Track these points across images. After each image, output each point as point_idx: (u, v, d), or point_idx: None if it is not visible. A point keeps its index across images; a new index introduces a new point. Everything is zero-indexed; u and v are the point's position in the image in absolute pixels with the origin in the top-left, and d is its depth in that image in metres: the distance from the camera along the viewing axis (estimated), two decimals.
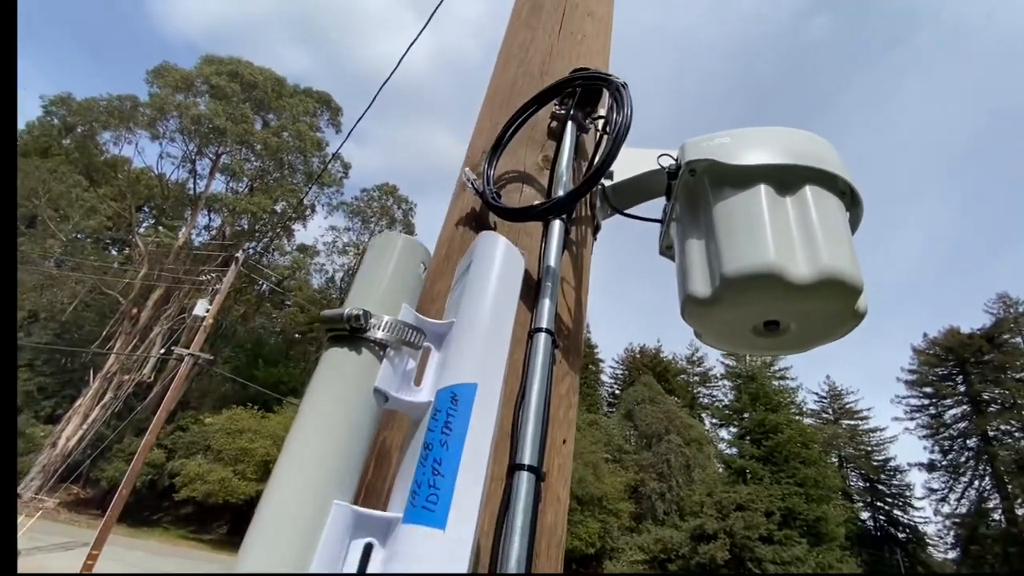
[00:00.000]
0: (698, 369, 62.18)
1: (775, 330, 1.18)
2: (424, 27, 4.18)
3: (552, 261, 1.01)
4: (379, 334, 0.61)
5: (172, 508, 28.25)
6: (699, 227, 1.21)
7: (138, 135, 33.25)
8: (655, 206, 1.47)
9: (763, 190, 1.12)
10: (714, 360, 63.86)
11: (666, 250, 1.47)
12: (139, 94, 32.69)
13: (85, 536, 18.59)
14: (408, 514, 0.54)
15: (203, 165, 34.67)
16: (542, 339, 0.88)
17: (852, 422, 57.73)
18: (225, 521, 28.95)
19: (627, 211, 1.45)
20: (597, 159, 1.18)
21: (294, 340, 40.67)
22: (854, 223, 1.22)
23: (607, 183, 1.34)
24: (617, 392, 55.53)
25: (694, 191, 1.24)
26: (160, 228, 34.68)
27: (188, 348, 18.20)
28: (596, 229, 1.41)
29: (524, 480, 0.65)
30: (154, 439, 16.24)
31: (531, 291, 1.01)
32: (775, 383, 44.76)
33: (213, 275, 23.21)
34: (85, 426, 27.31)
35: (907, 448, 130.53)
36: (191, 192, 35.31)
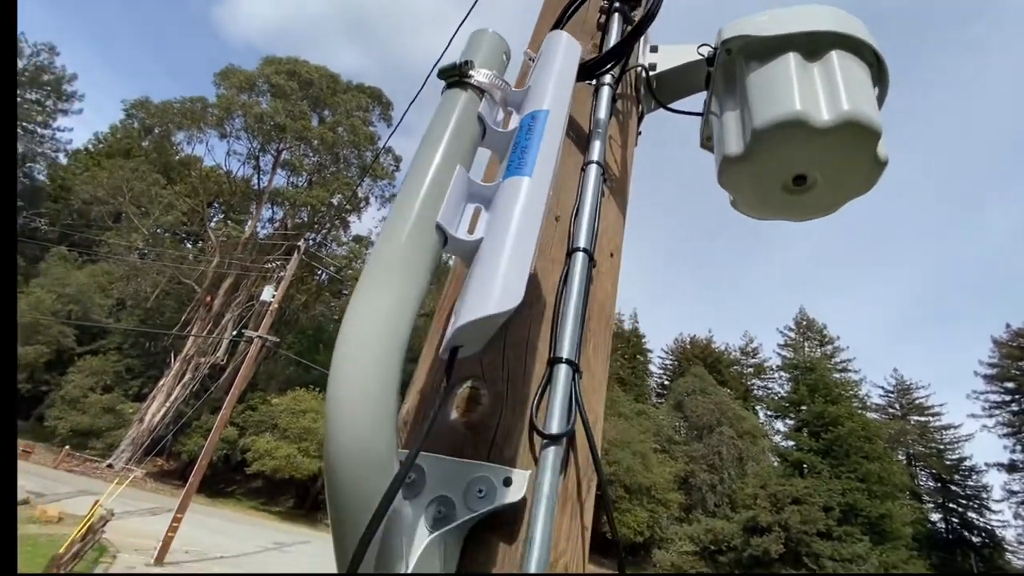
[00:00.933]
0: (752, 360, 59.95)
1: (803, 185, 1.34)
2: (466, 17, 4.42)
3: (602, 114, 1.23)
4: (481, 79, 0.85)
5: (244, 481, 30.42)
6: (735, 99, 1.37)
7: (208, 134, 35.64)
8: (693, 106, 1.64)
9: (791, 57, 1.28)
10: (770, 351, 61.27)
11: (706, 141, 1.64)
12: (208, 95, 35.00)
13: (169, 503, 20.41)
14: (505, 175, 0.78)
15: (266, 161, 36.74)
16: (593, 171, 1.11)
17: (922, 418, 54.00)
18: (292, 495, 30.93)
19: (670, 105, 1.63)
20: (640, 14, 1.37)
21: None
22: (880, 97, 1.36)
23: (651, 72, 1.53)
24: (666, 383, 54.49)
25: (730, 70, 1.41)
26: (229, 222, 37.06)
27: (257, 331, 19.48)
28: (640, 117, 1.60)
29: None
30: (228, 416, 17.57)
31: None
32: (836, 375, 42.59)
33: (277, 264, 24.64)
34: (168, 404, 29.77)
35: (985, 447, 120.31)
36: (255, 187, 37.49)
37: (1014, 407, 49.80)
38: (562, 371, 0.79)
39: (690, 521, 28.23)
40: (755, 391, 55.77)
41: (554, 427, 0.72)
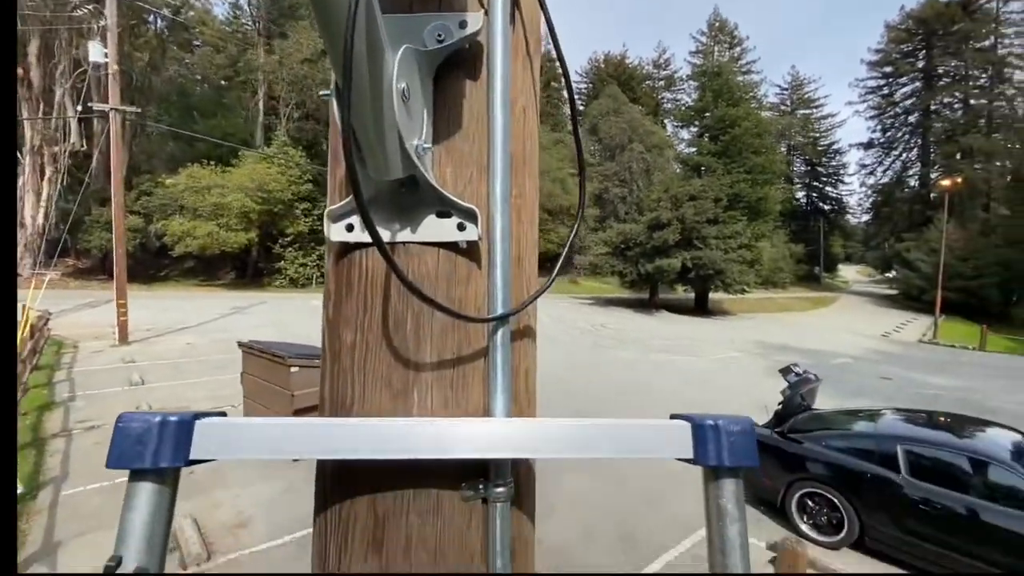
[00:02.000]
0: (664, 73, 59.52)
1: None
2: None
3: None
4: None
5: (174, 264, 30.19)
6: None
7: None
8: None
9: None
10: (681, 61, 60.19)
11: None
12: None
13: (104, 296, 20.23)
14: None
15: None
16: None
17: (807, 111, 59.01)
18: (229, 268, 31.55)
19: None
20: None
21: (221, 87, 36.62)
22: None
23: None
24: (581, 108, 54.15)
25: None
26: None
27: (107, 104, 16.32)
28: None
29: None
30: (123, 202, 16.11)
31: None
32: (740, 78, 43.72)
33: (88, 10, 19.11)
34: (43, 203, 26.62)
35: (852, 131, 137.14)
36: None
37: (885, 91, 54.78)
38: None
39: (604, 229, 32.23)
40: (665, 104, 57.06)
41: None
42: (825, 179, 59.94)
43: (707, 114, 33.43)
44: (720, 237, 27.44)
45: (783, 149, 51.97)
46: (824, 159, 59.06)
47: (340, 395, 0.71)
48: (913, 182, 53.17)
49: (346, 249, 0.73)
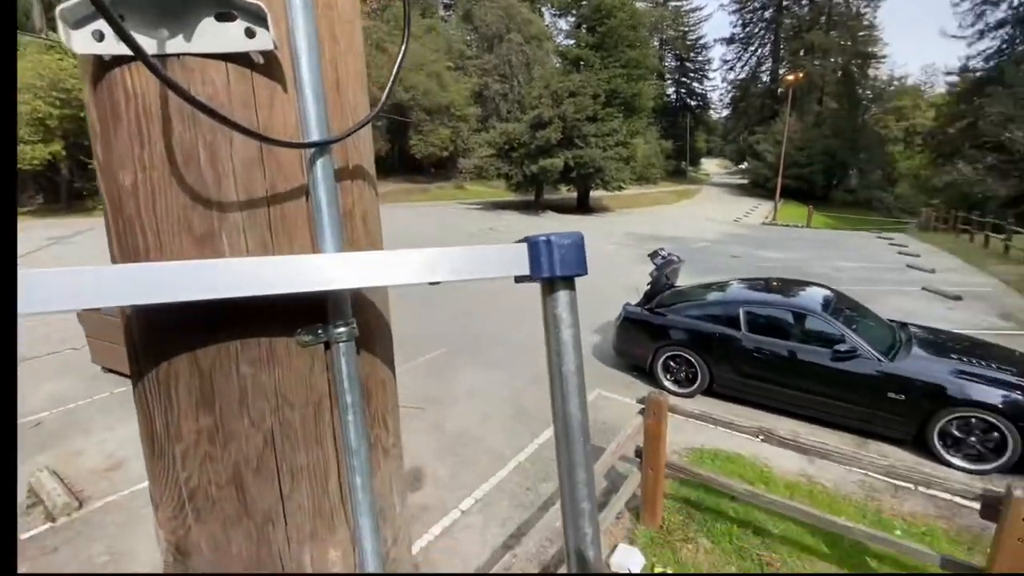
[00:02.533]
0: None
1: None
2: None
3: None
4: None
5: None
6: None
7: None
8: None
9: None
10: None
11: None
12: None
13: None
14: None
15: None
16: None
17: (678, 3, 59.80)
18: (35, 191, 26.08)
19: None
20: None
21: None
22: None
23: None
24: None
25: None
26: None
27: None
28: None
29: None
30: None
31: None
32: None
33: None
34: None
35: (717, 26, 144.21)
36: None
37: None
38: None
39: (487, 129, 31.29)
40: None
41: None
42: (692, 75, 62.96)
43: (584, 2, 32.43)
44: (599, 135, 28.10)
45: (656, 44, 52.92)
46: (692, 54, 61.54)
47: (130, 248, 0.60)
48: (765, 77, 57.83)
49: (103, 67, 0.57)
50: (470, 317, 9.40)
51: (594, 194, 34.94)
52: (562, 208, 32.82)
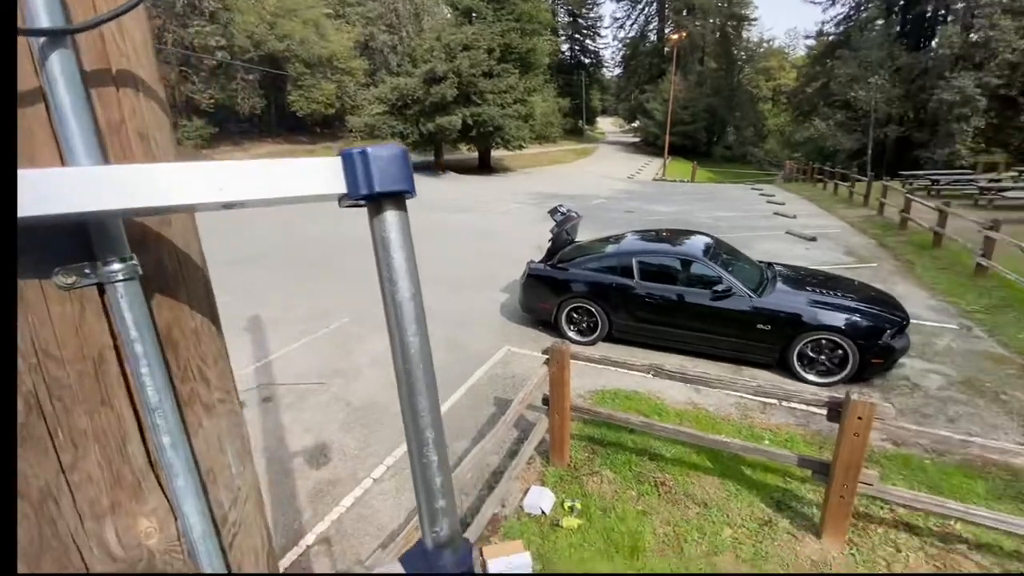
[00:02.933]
0: None
1: None
2: None
3: None
4: None
5: None
6: None
7: None
8: None
9: None
10: None
11: None
12: None
13: None
14: None
15: None
16: None
17: None
18: None
19: None
20: None
21: None
22: None
23: None
24: None
25: None
26: None
27: None
28: None
29: None
30: None
31: None
32: None
33: None
34: None
35: None
36: None
37: None
38: None
39: (376, 84, 29.38)
40: None
41: None
42: (585, 31, 63.65)
43: None
44: (496, 92, 27.65)
45: None
46: (584, 10, 61.98)
47: None
48: (653, 36, 60.03)
49: None
50: (372, 286, 9.03)
51: (495, 154, 34.67)
52: (463, 168, 32.28)
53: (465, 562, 0.58)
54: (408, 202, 0.56)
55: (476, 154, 33.32)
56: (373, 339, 6.64)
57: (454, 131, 27.29)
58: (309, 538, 3.55)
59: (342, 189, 0.53)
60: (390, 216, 0.54)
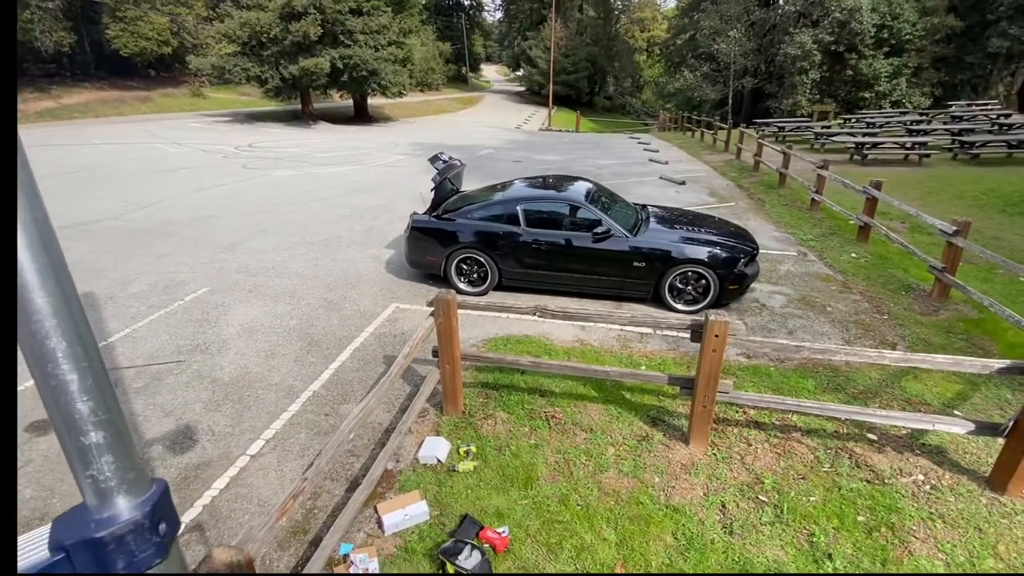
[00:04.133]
0: None
1: None
2: None
3: None
4: None
5: None
6: None
7: None
8: None
9: None
10: None
11: None
12: None
13: None
14: None
15: None
16: None
17: None
18: None
19: None
20: None
21: None
22: None
23: None
24: None
25: None
26: None
27: None
28: None
29: None
30: None
31: None
32: None
33: None
34: None
35: None
36: None
37: None
38: None
39: (221, 19, 25.45)
40: None
41: None
42: None
43: None
44: (367, 32, 25.49)
45: None
46: None
47: None
48: None
49: None
50: (233, 251, 8.13)
51: (373, 102, 32.47)
52: (337, 118, 29.85)
53: (151, 506, 0.46)
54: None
55: (351, 102, 30.91)
56: (241, 308, 6.02)
57: (322, 75, 24.82)
58: None
59: None
60: None
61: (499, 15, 66.88)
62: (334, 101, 33.84)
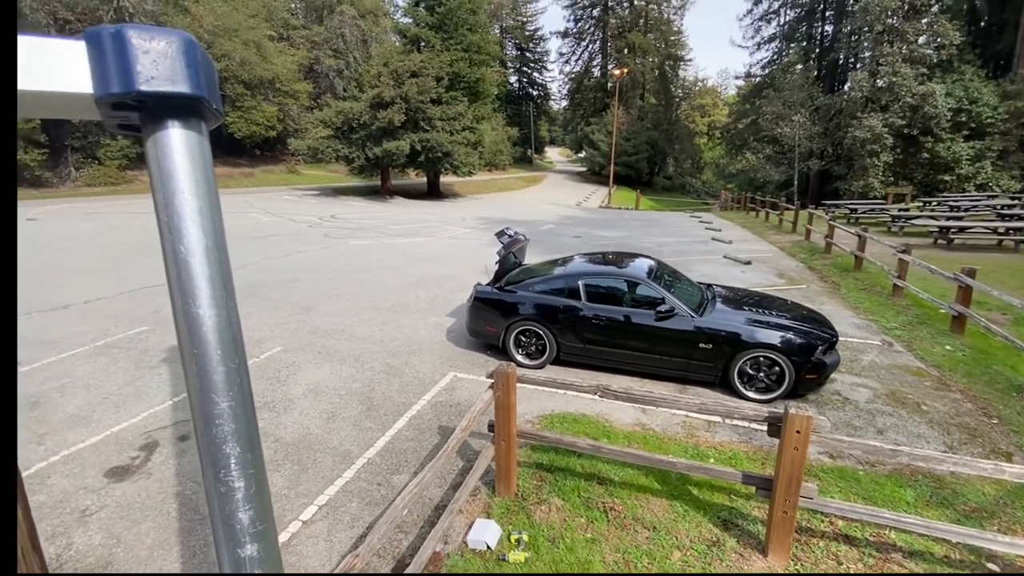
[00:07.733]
0: None
1: None
2: None
3: None
4: None
5: None
6: None
7: None
8: None
9: None
10: None
11: None
12: None
13: None
14: None
15: None
16: None
17: None
18: None
19: None
20: None
21: None
22: None
23: None
24: None
25: None
26: None
27: None
28: None
29: None
30: None
31: None
32: None
33: None
34: None
35: (552, 19, 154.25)
36: None
37: None
38: None
39: (321, 107, 28.90)
40: None
41: None
42: (533, 65, 65.85)
43: None
44: (445, 118, 27.86)
45: (496, 31, 54.07)
46: (531, 44, 64.25)
47: None
48: (597, 71, 62.83)
49: None
50: (308, 314, 8.60)
51: (445, 180, 34.71)
52: (411, 193, 32.05)
53: None
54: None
55: (425, 179, 33.22)
56: (310, 368, 6.26)
57: (402, 156, 27.15)
58: None
59: (86, 87, 0.36)
60: (173, 134, 0.38)
61: (564, 103, 71.22)
62: (410, 178, 36.53)
